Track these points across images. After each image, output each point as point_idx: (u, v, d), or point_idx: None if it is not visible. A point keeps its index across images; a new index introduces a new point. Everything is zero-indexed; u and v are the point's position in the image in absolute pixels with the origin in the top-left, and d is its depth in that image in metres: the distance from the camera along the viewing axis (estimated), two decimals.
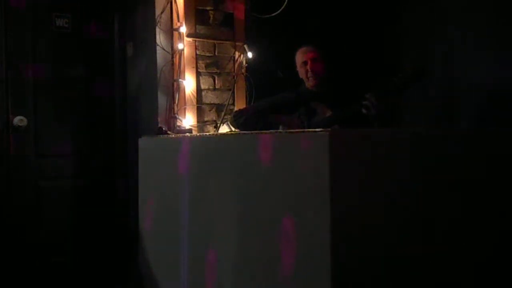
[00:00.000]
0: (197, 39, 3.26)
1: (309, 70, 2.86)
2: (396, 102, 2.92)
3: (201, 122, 3.26)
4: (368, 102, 2.46)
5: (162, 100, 3.21)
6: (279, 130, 2.72)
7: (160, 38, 3.22)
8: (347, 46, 3.44)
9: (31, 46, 3.20)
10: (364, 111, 2.46)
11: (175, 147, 2.54)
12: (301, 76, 2.94)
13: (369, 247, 1.54)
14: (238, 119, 2.92)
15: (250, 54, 3.34)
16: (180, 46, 3.21)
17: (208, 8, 3.31)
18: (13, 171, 3.14)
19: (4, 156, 3.11)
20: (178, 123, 3.20)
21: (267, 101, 3.01)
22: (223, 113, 3.22)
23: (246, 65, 3.39)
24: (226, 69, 3.36)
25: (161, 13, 3.22)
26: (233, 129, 3.16)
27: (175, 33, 3.25)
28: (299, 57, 2.92)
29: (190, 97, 3.23)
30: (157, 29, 3.21)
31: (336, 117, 2.68)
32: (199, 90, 3.27)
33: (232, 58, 3.38)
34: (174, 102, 3.24)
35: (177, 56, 3.24)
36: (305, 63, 2.88)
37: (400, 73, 2.44)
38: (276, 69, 2.74)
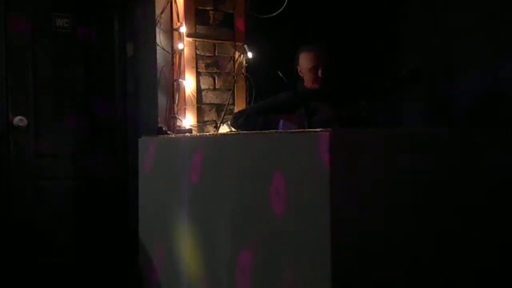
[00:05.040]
0: (197, 39, 3.26)
1: (320, 76, 2.82)
2: (390, 103, 2.93)
3: (201, 122, 3.26)
4: (365, 106, 2.49)
5: (162, 100, 3.22)
6: (278, 130, 2.71)
7: (160, 38, 3.22)
8: (347, 45, 3.44)
9: (31, 46, 3.20)
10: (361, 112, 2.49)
11: (175, 147, 2.54)
12: (302, 75, 2.92)
13: (369, 247, 1.54)
14: (237, 120, 2.90)
15: (250, 54, 3.34)
16: (180, 46, 3.21)
17: (208, 8, 3.31)
18: (13, 171, 3.14)
19: (4, 156, 3.12)
20: (178, 123, 3.20)
21: (267, 101, 3.01)
22: (223, 113, 3.23)
23: (246, 65, 3.39)
24: (226, 69, 3.36)
25: (161, 13, 3.22)
26: (233, 129, 3.16)
27: (175, 33, 3.25)
28: (309, 59, 2.86)
29: (190, 97, 3.23)
30: (157, 29, 3.21)
31: (336, 117, 2.68)
32: (199, 90, 3.27)
33: (232, 58, 3.38)
34: (174, 102, 3.24)
35: (177, 56, 3.24)
36: (316, 67, 2.83)
37: (396, 76, 2.44)
38: (276, 69, 2.74)
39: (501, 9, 2.85)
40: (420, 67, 2.63)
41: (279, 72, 2.65)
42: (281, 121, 2.74)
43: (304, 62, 2.89)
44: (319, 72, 2.83)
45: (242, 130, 2.87)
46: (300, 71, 2.93)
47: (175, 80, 3.25)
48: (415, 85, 2.44)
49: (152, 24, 3.23)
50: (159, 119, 3.19)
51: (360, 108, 2.56)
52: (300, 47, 2.93)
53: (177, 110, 3.23)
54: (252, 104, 3.29)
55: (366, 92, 2.70)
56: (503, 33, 2.83)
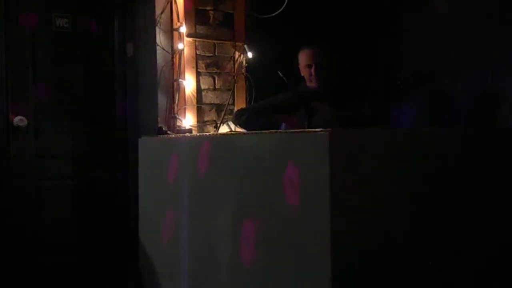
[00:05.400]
0: (197, 39, 3.26)
1: (313, 73, 2.88)
2: (392, 105, 2.94)
3: (201, 122, 3.26)
4: (367, 109, 2.51)
5: (162, 100, 3.22)
6: (279, 130, 2.72)
7: (160, 38, 3.22)
8: (347, 45, 3.44)
9: (31, 46, 3.20)
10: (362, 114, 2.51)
11: (175, 147, 2.54)
12: (303, 75, 2.96)
13: (370, 247, 1.54)
14: (239, 118, 2.93)
15: (250, 54, 3.34)
16: (180, 46, 3.21)
17: (208, 8, 3.31)
18: (13, 171, 3.14)
19: (4, 156, 3.11)
20: (178, 123, 3.20)
21: (268, 100, 3.02)
22: (223, 113, 3.23)
23: (246, 65, 3.39)
24: (226, 69, 3.36)
25: (161, 13, 3.22)
26: (233, 128, 3.16)
27: (175, 33, 3.25)
28: (303, 58, 2.93)
29: (190, 97, 3.23)
30: (157, 29, 3.21)
31: (336, 117, 2.69)
32: (199, 90, 3.27)
33: (232, 58, 3.38)
34: (174, 102, 3.24)
35: (177, 56, 3.24)
36: (309, 66, 2.90)
37: (399, 79, 2.45)
38: (276, 69, 2.74)
39: (501, 9, 2.85)
40: (423, 70, 2.63)
41: (279, 72, 2.66)
42: (283, 125, 2.76)
43: (300, 60, 2.95)
44: (312, 70, 2.88)
45: (244, 128, 2.91)
46: (300, 70, 2.97)
47: (175, 80, 3.25)
48: (418, 88, 2.44)
49: (152, 24, 3.23)
50: (159, 119, 3.19)
51: (361, 108, 2.57)
52: (300, 47, 2.97)
53: (177, 110, 3.22)
54: (252, 103, 3.29)
55: (367, 93, 2.71)
56: (504, 33, 2.82)
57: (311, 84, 2.91)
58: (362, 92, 2.76)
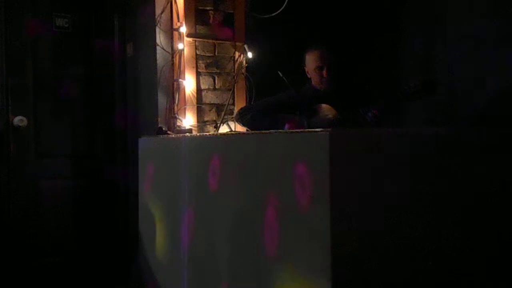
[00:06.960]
0: (197, 39, 3.26)
1: (325, 75, 2.84)
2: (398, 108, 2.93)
3: (201, 122, 3.26)
4: (372, 114, 2.50)
5: (162, 100, 3.22)
6: (279, 130, 2.71)
7: (160, 38, 3.22)
8: (347, 45, 3.44)
9: (31, 46, 3.20)
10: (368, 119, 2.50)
11: (175, 147, 2.54)
12: (310, 77, 2.93)
13: (369, 248, 1.54)
14: (244, 116, 2.90)
15: (250, 54, 3.35)
16: (180, 46, 3.22)
17: (208, 8, 3.31)
18: (13, 171, 3.14)
19: (4, 156, 3.11)
20: (178, 123, 3.20)
21: (271, 99, 3.00)
22: (223, 113, 3.23)
23: (246, 65, 3.40)
24: (226, 69, 3.36)
25: (161, 13, 3.22)
26: (233, 128, 3.16)
27: (175, 33, 3.25)
28: (313, 59, 2.88)
29: (190, 97, 3.23)
30: (157, 29, 3.21)
31: (338, 119, 2.69)
32: (199, 90, 3.27)
33: (232, 58, 3.38)
34: (174, 102, 3.24)
35: (177, 56, 3.24)
36: (320, 68, 2.85)
37: (409, 85, 2.43)
38: (276, 69, 2.74)
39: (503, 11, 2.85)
40: (433, 78, 2.61)
41: (279, 72, 2.65)
42: (286, 125, 2.74)
43: (310, 62, 2.91)
44: (324, 72, 2.84)
45: (247, 127, 2.89)
46: (307, 71, 2.94)
47: (175, 80, 3.25)
48: (429, 97, 2.42)
49: (152, 24, 3.23)
50: (159, 119, 3.19)
51: (367, 112, 2.56)
52: (307, 47, 2.94)
53: (177, 110, 3.23)
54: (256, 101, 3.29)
55: (375, 96, 2.70)
56: (504, 35, 2.82)
57: (322, 86, 2.88)
58: (370, 95, 2.75)
